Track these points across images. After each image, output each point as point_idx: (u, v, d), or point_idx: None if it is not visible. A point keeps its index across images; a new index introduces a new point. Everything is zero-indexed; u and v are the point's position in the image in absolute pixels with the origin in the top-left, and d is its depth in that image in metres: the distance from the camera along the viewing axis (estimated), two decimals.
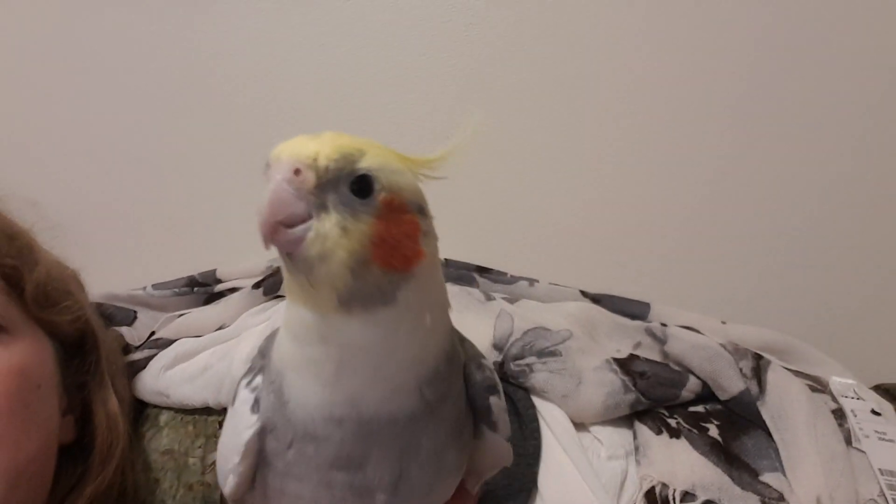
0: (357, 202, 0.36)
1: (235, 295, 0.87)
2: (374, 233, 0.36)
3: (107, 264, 1.09)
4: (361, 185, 0.36)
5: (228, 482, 0.43)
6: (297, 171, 0.35)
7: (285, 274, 0.38)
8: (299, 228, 0.35)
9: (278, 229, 0.35)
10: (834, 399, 0.78)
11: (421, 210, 0.39)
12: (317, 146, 0.36)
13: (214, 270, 0.92)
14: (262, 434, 0.41)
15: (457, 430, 0.43)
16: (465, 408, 0.44)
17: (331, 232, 0.35)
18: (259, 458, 0.42)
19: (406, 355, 0.38)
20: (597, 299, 0.90)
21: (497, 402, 0.45)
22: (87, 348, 0.69)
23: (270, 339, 0.45)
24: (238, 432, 0.42)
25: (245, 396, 0.43)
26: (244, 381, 0.45)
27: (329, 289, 0.36)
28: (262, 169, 0.37)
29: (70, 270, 0.71)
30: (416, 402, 0.39)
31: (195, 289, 0.91)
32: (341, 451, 0.39)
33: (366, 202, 0.36)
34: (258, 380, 0.44)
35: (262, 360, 0.44)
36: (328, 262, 0.35)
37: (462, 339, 0.47)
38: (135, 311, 0.88)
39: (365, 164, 0.36)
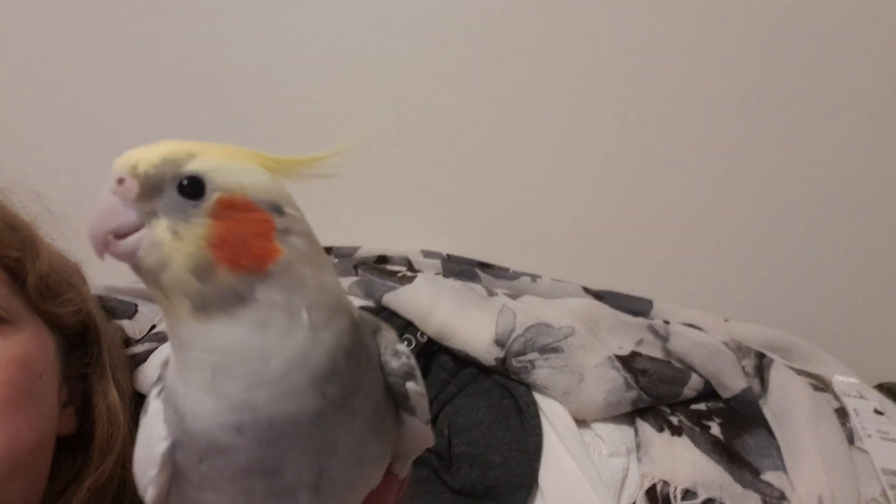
0: (188, 205, 0.35)
1: None
2: (210, 234, 0.35)
3: (112, 262, 1.10)
4: (192, 188, 0.36)
5: (148, 494, 0.42)
6: (120, 181, 0.35)
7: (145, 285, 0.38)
8: (132, 238, 0.35)
9: (110, 241, 0.35)
10: (836, 398, 0.78)
11: (275, 208, 0.38)
12: (139, 154, 0.36)
13: None
14: (171, 448, 0.40)
15: (376, 420, 0.42)
16: (383, 397, 0.44)
17: (163, 237, 0.35)
18: (174, 469, 0.41)
19: (287, 354, 0.37)
20: (599, 296, 0.90)
21: (414, 388, 0.45)
22: (89, 340, 0.69)
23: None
24: (152, 444, 0.41)
25: (156, 407, 0.42)
26: (154, 391, 0.43)
27: (179, 294, 0.36)
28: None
29: (72, 263, 0.71)
30: (317, 400, 0.38)
31: None
32: (251, 458, 0.38)
33: (197, 203, 0.36)
34: (161, 385, 0.43)
35: (164, 371, 0.43)
36: (168, 269, 0.35)
37: (377, 329, 0.46)
38: (136, 304, 0.88)
39: (193, 167, 0.36)
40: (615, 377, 0.74)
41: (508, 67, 1.09)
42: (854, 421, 0.74)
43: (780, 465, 0.69)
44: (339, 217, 1.11)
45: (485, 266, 0.94)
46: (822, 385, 0.79)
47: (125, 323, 0.83)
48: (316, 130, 1.12)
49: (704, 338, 0.79)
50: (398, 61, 1.10)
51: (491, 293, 0.84)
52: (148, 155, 0.36)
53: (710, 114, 1.08)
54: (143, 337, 0.82)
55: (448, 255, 0.95)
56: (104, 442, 0.65)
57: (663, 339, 0.81)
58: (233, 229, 0.36)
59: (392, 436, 0.45)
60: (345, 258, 0.91)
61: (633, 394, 0.73)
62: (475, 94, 1.09)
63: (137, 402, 0.75)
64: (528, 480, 0.67)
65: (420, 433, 0.47)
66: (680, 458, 0.69)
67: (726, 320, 0.88)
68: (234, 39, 1.11)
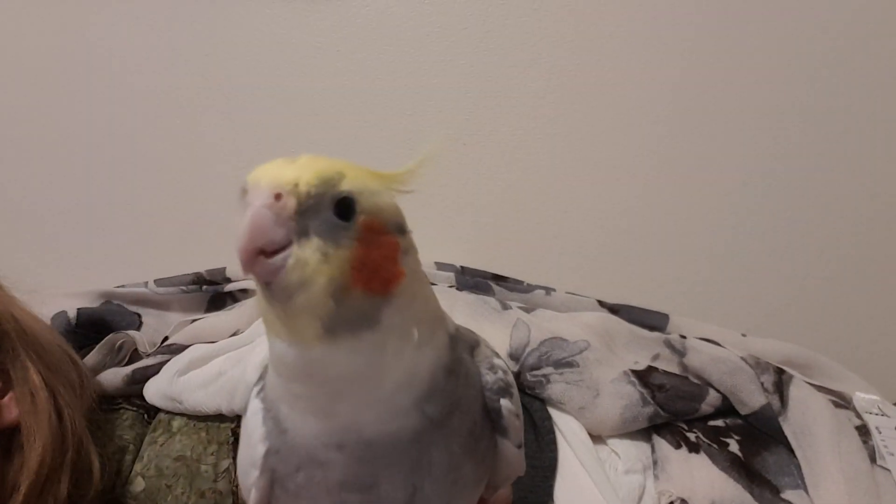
0: (339, 226, 0.35)
1: (250, 300, 0.86)
2: (354, 257, 0.35)
3: (114, 260, 1.10)
4: (342, 209, 0.35)
5: (252, 497, 0.42)
6: (277, 197, 0.34)
7: (262, 305, 0.37)
8: (279, 257, 0.34)
9: (257, 258, 0.34)
10: (858, 415, 0.76)
11: (400, 229, 0.39)
12: (297, 171, 0.35)
13: (224, 269, 0.90)
14: (268, 455, 0.41)
15: (472, 441, 0.42)
16: (480, 417, 0.43)
17: (311, 258, 0.34)
18: (273, 474, 0.41)
19: (397, 375, 0.38)
20: (614, 310, 0.89)
21: (508, 406, 0.44)
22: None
23: None
24: (252, 445, 0.41)
25: (255, 406, 0.42)
26: (255, 389, 0.44)
27: (310, 317, 0.35)
28: (238, 194, 0.36)
29: None
30: (417, 419, 0.38)
31: (203, 287, 0.90)
32: (348, 474, 0.39)
33: (347, 226, 0.35)
34: (261, 384, 0.43)
35: (265, 370, 0.44)
36: (308, 290, 0.34)
37: (475, 345, 0.45)
38: (139, 315, 0.87)
39: (346, 187, 0.36)
40: (631, 392, 0.73)
41: (524, 78, 1.08)
42: (876, 439, 0.73)
43: (801, 484, 0.68)
44: None
45: (499, 279, 0.93)
46: (842, 402, 0.78)
47: (134, 335, 0.83)
48: (330, 143, 1.12)
49: (722, 353, 0.78)
50: (411, 72, 1.10)
51: (505, 306, 0.83)
52: (306, 173, 0.35)
53: (726, 127, 1.07)
54: (156, 350, 0.82)
55: (462, 268, 0.94)
56: (31, 424, 0.62)
57: (680, 353, 0.80)
58: (371, 253, 0.36)
59: (489, 460, 0.45)
60: None
61: (649, 409, 0.72)
62: (490, 105, 1.09)
63: (150, 414, 0.75)
64: (543, 497, 0.66)
65: (511, 458, 0.46)
66: (698, 476, 0.68)
67: (744, 335, 0.87)
68: (245, 50, 1.11)
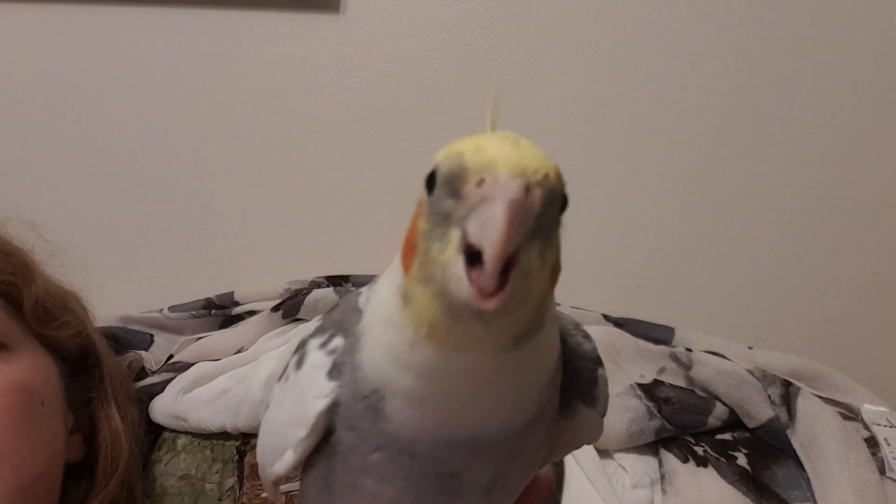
0: (556, 225, 0.30)
1: (254, 318, 0.86)
2: (555, 258, 0.30)
3: (124, 286, 1.10)
4: (565, 205, 0.31)
5: (284, 459, 0.37)
6: (527, 190, 0.27)
7: (436, 314, 0.30)
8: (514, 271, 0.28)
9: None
10: (866, 427, 0.76)
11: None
12: (538, 159, 0.28)
13: (232, 293, 0.92)
14: (332, 417, 0.35)
15: (552, 421, 0.39)
16: (557, 396, 0.39)
17: (533, 265, 0.28)
18: (325, 445, 0.36)
19: (539, 372, 0.34)
20: (620, 323, 0.89)
21: (603, 376, 0.40)
22: (91, 364, 0.69)
23: (346, 313, 0.38)
24: (306, 402, 0.36)
25: (319, 359, 0.36)
26: (315, 342, 0.37)
27: (511, 331, 0.30)
28: (439, 175, 0.30)
29: (70, 290, 0.71)
30: (534, 410, 0.35)
31: (212, 311, 0.91)
32: (444, 465, 0.34)
33: (559, 221, 0.31)
34: (337, 342, 0.37)
35: (338, 329, 0.38)
36: (524, 306, 0.29)
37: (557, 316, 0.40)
38: (151, 335, 0.88)
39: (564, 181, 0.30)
40: (637, 406, 0.73)
41: (527, 94, 1.09)
42: (885, 451, 0.72)
43: (810, 497, 0.67)
44: (357, 245, 1.11)
45: None
46: (850, 414, 0.77)
47: (142, 354, 0.83)
48: (334, 160, 1.12)
49: (728, 366, 0.78)
50: (415, 88, 1.10)
51: None
52: (547, 162, 0.29)
53: (730, 140, 1.07)
54: (160, 367, 0.82)
55: None
56: (107, 466, 0.64)
57: (686, 367, 0.80)
58: (558, 252, 0.31)
59: (555, 432, 0.40)
60: (362, 287, 0.91)
61: (656, 423, 0.72)
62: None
63: (154, 433, 0.75)
64: None
65: (593, 427, 0.41)
66: (706, 490, 0.67)
67: (750, 348, 0.86)
68: (251, 68, 1.12)
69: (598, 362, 0.41)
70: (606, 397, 0.42)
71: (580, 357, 0.39)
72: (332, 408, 0.35)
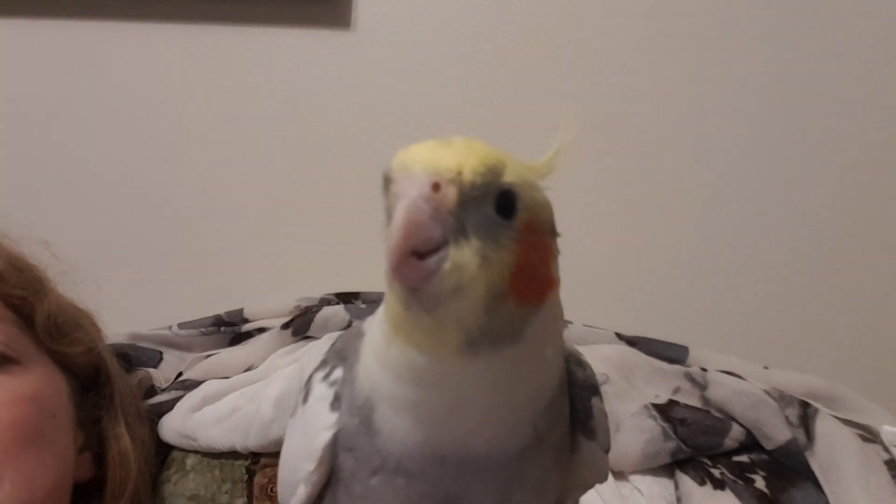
0: (500, 225, 0.30)
1: (264, 335, 0.86)
2: (515, 261, 0.31)
3: (133, 303, 1.10)
4: (504, 205, 0.31)
5: (298, 494, 0.38)
6: (435, 187, 0.29)
7: (398, 309, 0.32)
8: (433, 259, 0.29)
9: (409, 260, 0.29)
10: (886, 449, 0.74)
11: (553, 230, 0.35)
12: (457, 156, 0.30)
13: (241, 310, 0.91)
14: (335, 446, 0.36)
15: (560, 454, 0.39)
16: (567, 428, 0.39)
17: (470, 262, 0.29)
18: (331, 474, 0.37)
19: (526, 391, 0.34)
20: (633, 342, 0.88)
21: (598, 406, 0.40)
22: (101, 382, 0.68)
23: (348, 341, 0.40)
24: (312, 435, 0.37)
25: (322, 392, 0.38)
26: (319, 375, 0.39)
27: (457, 329, 0.31)
28: (382, 182, 0.32)
29: (82, 308, 0.71)
30: (528, 435, 0.35)
31: (222, 328, 0.90)
32: (439, 487, 0.35)
33: (509, 225, 0.31)
34: (337, 374, 0.38)
35: (338, 359, 0.39)
36: (462, 299, 0.30)
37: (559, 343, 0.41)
38: (160, 353, 0.87)
39: (508, 179, 0.31)
40: (653, 427, 0.72)
41: (538, 109, 1.08)
42: None
43: None
44: (367, 262, 1.10)
45: None
46: (869, 436, 0.76)
47: (151, 371, 0.83)
48: (345, 174, 1.12)
49: (744, 386, 0.77)
50: (425, 102, 1.10)
51: None
52: (469, 159, 0.30)
53: (745, 156, 1.07)
54: (170, 385, 0.81)
55: None
56: (116, 486, 0.64)
57: (701, 387, 0.79)
58: (530, 257, 0.32)
59: (566, 468, 0.40)
60: (373, 304, 0.90)
61: (671, 444, 0.71)
62: (504, 136, 1.09)
63: (163, 452, 0.74)
64: None
65: (597, 463, 0.41)
66: None
67: (766, 368, 0.85)
68: (260, 84, 1.12)
69: (592, 391, 0.40)
70: (606, 430, 0.42)
71: (573, 385, 0.39)
72: (336, 445, 0.37)
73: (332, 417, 0.37)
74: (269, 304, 0.91)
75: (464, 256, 0.29)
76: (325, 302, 0.89)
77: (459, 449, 0.34)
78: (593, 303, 1.10)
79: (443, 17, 1.09)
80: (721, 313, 1.09)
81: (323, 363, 0.40)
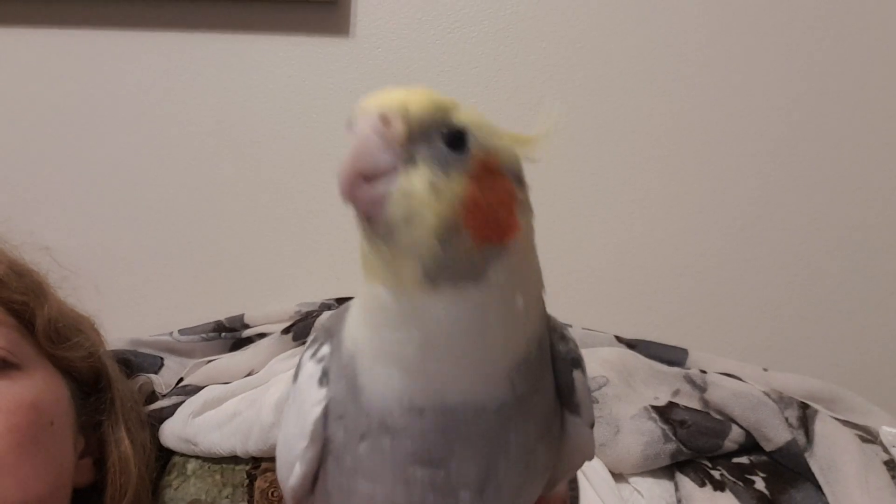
0: (451, 157, 0.32)
1: (264, 340, 0.86)
2: (466, 195, 0.32)
3: (134, 309, 1.10)
4: (455, 140, 0.33)
5: (294, 473, 0.39)
6: (385, 120, 0.32)
7: (363, 244, 0.34)
8: (381, 182, 0.32)
9: (359, 184, 0.31)
10: (885, 450, 0.75)
11: (518, 179, 0.36)
12: (407, 95, 0.33)
13: (242, 315, 0.91)
14: (327, 420, 0.37)
15: (545, 424, 0.39)
16: (554, 400, 0.40)
17: (418, 189, 0.31)
18: (324, 450, 0.38)
19: (496, 340, 0.35)
20: (632, 345, 0.88)
21: (581, 379, 0.41)
22: (102, 387, 0.68)
23: (337, 317, 0.41)
24: (304, 412, 0.38)
25: (311, 369, 0.39)
26: (308, 353, 0.40)
27: (413, 259, 0.32)
28: (345, 130, 0.34)
29: (83, 314, 0.71)
30: (505, 391, 0.36)
31: (223, 334, 0.90)
32: (422, 444, 0.35)
33: (460, 158, 0.32)
34: (325, 350, 0.39)
35: (326, 335, 0.40)
36: (414, 226, 0.31)
37: (553, 326, 0.42)
38: (161, 358, 0.87)
39: (459, 118, 0.33)
40: (652, 429, 0.72)
41: (534, 116, 1.09)
42: None
43: None
44: None
45: None
46: (869, 437, 0.76)
47: (152, 377, 0.83)
48: None
49: (744, 388, 0.77)
50: None
51: None
52: (418, 98, 0.33)
53: (743, 159, 1.07)
54: (170, 391, 0.82)
55: None
56: (116, 491, 0.64)
57: (701, 389, 0.79)
58: (485, 194, 0.33)
59: (556, 446, 0.41)
60: None
61: (671, 446, 0.71)
62: None
63: (164, 457, 0.75)
64: None
65: (582, 440, 0.42)
66: None
67: (765, 370, 0.85)
68: (258, 91, 1.12)
69: (574, 363, 0.41)
70: (589, 405, 0.42)
71: (555, 358, 0.40)
72: (328, 418, 0.37)
73: (321, 392, 0.38)
74: (270, 309, 0.91)
75: (412, 183, 0.31)
76: (326, 307, 0.90)
77: (435, 399, 0.35)
78: (593, 306, 1.10)
79: (441, 25, 1.10)
80: (720, 316, 1.09)
81: (312, 341, 0.41)
